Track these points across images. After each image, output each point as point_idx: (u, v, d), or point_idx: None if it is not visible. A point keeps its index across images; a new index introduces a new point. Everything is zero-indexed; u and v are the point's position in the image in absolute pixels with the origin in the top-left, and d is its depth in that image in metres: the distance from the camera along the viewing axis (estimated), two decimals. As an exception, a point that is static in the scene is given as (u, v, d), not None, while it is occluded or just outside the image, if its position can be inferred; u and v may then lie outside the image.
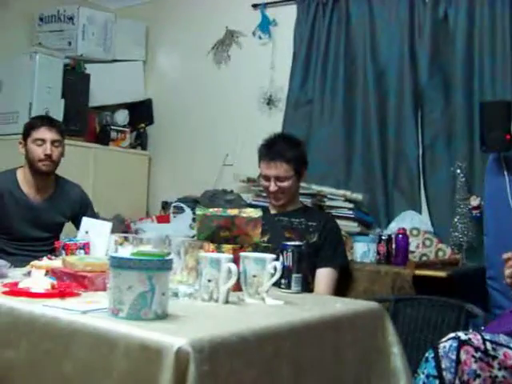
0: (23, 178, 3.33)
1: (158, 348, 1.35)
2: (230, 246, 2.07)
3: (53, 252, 3.22)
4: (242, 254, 1.94)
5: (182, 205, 4.24)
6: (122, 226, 4.14)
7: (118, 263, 1.53)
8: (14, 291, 1.80)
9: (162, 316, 1.55)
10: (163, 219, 4.35)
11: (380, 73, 4.05)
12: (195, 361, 1.33)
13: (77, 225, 3.37)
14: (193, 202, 4.25)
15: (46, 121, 3.37)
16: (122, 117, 5.03)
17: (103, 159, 4.73)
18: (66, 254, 2.46)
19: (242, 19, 4.68)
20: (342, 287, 3.02)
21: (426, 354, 1.88)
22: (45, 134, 3.26)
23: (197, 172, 4.75)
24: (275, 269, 1.93)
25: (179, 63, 5.14)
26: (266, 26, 4.52)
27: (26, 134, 3.30)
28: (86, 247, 2.52)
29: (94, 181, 4.50)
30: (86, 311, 1.57)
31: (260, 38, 4.56)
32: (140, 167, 5.07)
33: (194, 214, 4.07)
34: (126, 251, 2.02)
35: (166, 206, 4.67)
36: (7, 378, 1.62)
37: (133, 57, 5.17)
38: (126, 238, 2.17)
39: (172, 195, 4.64)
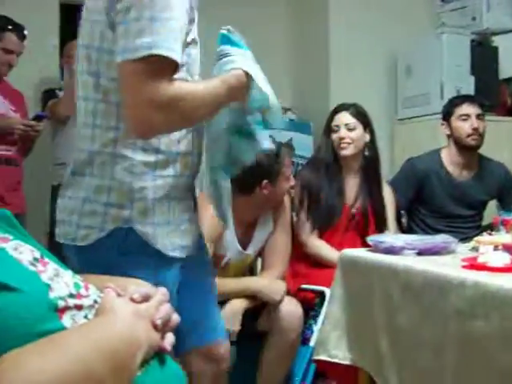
0: (447, 158, 3.42)
1: None
2: None
3: (479, 229, 3.29)
4: None
5: None
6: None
7: None
8: (476, 265, 1.86)
9: None
10: None
11: None
12: None
13: (502, 202, 3.38)
14: None
15: (466, 97, 3.45)
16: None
17: (518, 132, 4.63)
18: (506, 230, 2.47)
19: None
20: None
21: None
22: (468, 109, 3.33)
23: None
24: None
25: None
26: None
27: (449, 112, 3.39)
28: (526, 222, 2.49)
29: (509, 155, 4.42)
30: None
31: None
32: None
33: None
34: None
35: None
36: (480, 346, 1.69)
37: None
38: None
39: None
